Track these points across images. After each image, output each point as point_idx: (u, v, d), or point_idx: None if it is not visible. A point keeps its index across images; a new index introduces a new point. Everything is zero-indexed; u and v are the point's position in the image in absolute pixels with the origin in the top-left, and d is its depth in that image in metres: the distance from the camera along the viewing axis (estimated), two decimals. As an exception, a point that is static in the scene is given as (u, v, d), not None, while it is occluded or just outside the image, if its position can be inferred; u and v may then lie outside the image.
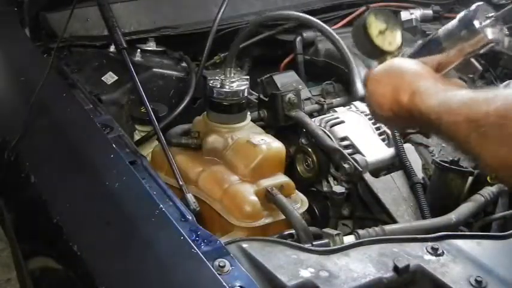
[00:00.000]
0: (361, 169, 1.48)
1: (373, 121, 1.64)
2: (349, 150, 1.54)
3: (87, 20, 1.97)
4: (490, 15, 1.13)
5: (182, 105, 1.74)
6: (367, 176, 1.51)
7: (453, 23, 1.16)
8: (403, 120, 1.13)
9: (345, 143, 1.57)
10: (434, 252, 1.10)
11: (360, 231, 1.22)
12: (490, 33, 1.12)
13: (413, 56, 1.23)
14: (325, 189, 1.57)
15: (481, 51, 1.15)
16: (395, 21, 1.33)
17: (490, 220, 1.43)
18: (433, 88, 1.05)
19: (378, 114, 1.18)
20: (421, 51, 1.23)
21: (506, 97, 0.91)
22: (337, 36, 1.67)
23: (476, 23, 1.12)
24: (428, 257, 1.09)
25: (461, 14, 1.15)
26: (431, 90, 1.04)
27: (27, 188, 1.41)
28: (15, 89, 1.76)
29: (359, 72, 1.61)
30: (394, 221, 1.45)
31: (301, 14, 1.76)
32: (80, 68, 1.88)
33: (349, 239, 1.19)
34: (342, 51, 1.64)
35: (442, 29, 1.18)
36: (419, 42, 1.28)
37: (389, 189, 1.51)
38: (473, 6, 1.13)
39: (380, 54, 1.31)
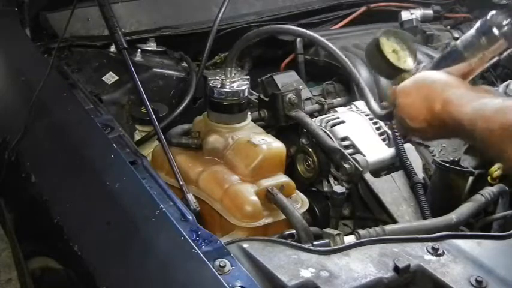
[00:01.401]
0: (361, 169, 1.48)
1: (373, 121, 1.64)
2: (350, 150, 1.54)
3: (87, 20, 1.97)
4: (507, 22, 1.15)
5: (183, 105, 1.74)
6: (368, 176, 1.51)
7: (471, 32, 1.19)
8: (436, 130, 1.15)
9: (346, 143, 1.57)
10: (435, 252, 1.10)
11: (361, 231, 1.22)
12: (509, 38, 1.14)
13: (435, 68, 1.25)
14: (325, 189, 1.57)
15: (502, 56, 1.17)
16: (406, 37, 1.34)
17: (491, 220, 1.43)
18: (466, 96, 1.07)
19: (410, 127, 1.19)
20: (441, 63, 1.25)
21: None
22: (341, 54, 1.66)
23: (495, 30, 1.14)
24: (428, 257, 1.09)
25: (479, 23, 1.18)
26: (464, 98, 1.06)
27: (27, 188, 1.41)
28: (15, 89, 1.76)
29: (369, 92, 1.61)
30: (395, 221, 1.45)
31: (302, 30, 1.75)
32: (80, 68, 1.88)
33: (349, 239, 1.19)
34: (349, 70, 1.62)
35: (461, 40, 1.22)
36: (438, 55, 1.30)
37: (390, 189, 1.51)
38: (490, 15, 1.16)
39: (398, 73, 1.32)
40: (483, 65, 1.19)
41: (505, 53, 1.17)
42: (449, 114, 1.07)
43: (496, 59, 1.18)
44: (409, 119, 1.17)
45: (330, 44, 1.66)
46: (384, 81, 1.76)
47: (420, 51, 1.95)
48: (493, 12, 1.18)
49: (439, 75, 1.17)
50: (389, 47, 1.32)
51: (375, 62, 1.34)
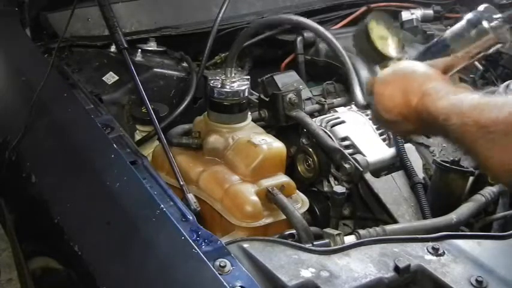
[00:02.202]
0: (361, 169, 1.48)
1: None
2: (350, 150, 1.54)
3: (88, 20, 1.97)
4: (497, 16, 1.13)
5: (183, 105, 1.74)
6: (368, 176, 1.51)
7: (461, 24, 1.16)
8: (411, 124, 1.13)
9: (346, 143, 1.57)
10: (435, 252, 1.10)
11: (361, 231, 1.22)
12: (498, 34, 1.12)
13: (419, 58, 1.23)
14: (325, 189, 1.57)
15: (488, 52, 1.15)
16: (396, 25, 1.33)
17: (491, 220, 1.43)
18: (444, 90, 1.05)
19: (384, 119, 1.17)
20: (427, 53, 1.23)
21: None
22: (335, 41, 1.66)
23: (485, 24, 1.12)
24: (429, 257, 1.09)
25: (469, 15, 1.15)
26: (442, 92, 1.05)
27: (28, 188, 1.42)
28: (16, 89, 1.76)
29: (359, 80, 1.61)
30: (395, 221, 1.45)
31: (301, 18, 1.75)
32: (80, 68, 1.88)
33: (349, 239, 1.19)
34: (342, 59, 1.62)
35: (449, 31, 1.18)
36: (425, 45, 1.28)
37: (390, 189, 1.51)
38: (481, 7, 1.14)
39: (383, 60, 1.30)
40: (467, 60, 1.17)
41: (492, 49, 1.15)
42: (425, 108, 1.05)
43: (481, 54, 1.16)
44: (385, 110, 1.15)
45: (323, 30, 1.65)
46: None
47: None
48: (485, 5, 1.16)
49: (420, 67, 1.14)
50: (378, 32, 1.30)
51: (362, 46, 1.32)
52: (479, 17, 1.13)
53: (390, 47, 1.29)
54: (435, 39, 1.25)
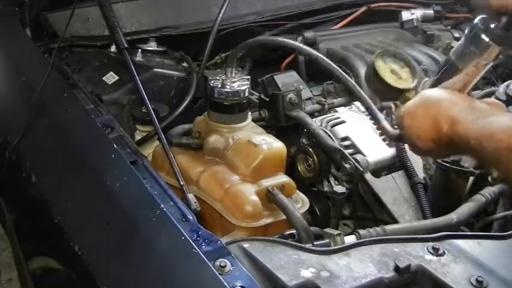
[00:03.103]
0: (362, 169, 1.48)
1: (374, 121, 1.64)
2: (350, 150, 1.54)
3: (88, 20, 1.97)
4: (494, 25, 1.12)
5: (183, 105, 1.74)
6: (368, 176, 1.51)
7: (461, 42, 1.16)
8: (444, 149, 1.14)
9: (346, 143, 1.57)
10: (435, 252, 1.10)
11: (361, 231, 1.22)
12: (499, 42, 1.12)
13: (436, 85, 1.23)
14: (326, 189, 1.57)
15: (497, 61, 1.15)
16: (404, 57, 1.33)
17: (491, 220, 1.43)
18: (472, 114, 1.06)
19: (418, 148, 1.18)
20: (441, 77, 1.24)
21: None
22: (348, 78, 1.64)
23: (484, 37, 1.12)
24: (429, 257, 1.09)
25: (467, 31, 1.15)
26: (471, 117, 1.05)
27: (28, 188, 1.42)
28: (16, 89, 1.76)
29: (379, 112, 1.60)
30: (395, 221, 1.45)
31: (303, 46, 1.74)
32: (80, 68, 1.88)
33: (350, 239, 1.19)
34: (359, 95, 1.59)
35: (453, 51, 1.20)
36: (435, 71, 1.29)
37: (390, 189, 1.51)
38: (476, 21, 1.13)
39: (398, 93, 1.30)
40: (479, 73, 1.17)
41: (499, 58, 1.15)
42: (456, 134, 1.06)
43: (491, 64, 1.16)
44: (417, 140, 1.16)
45: (333, 65, 1.64)
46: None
47: (421, 51, 1.96)
48: (480, 17, 1.16)
49: (442, 94, 1.15)
50: (387, 69, 1.30)
51: (375, 86, 1.32)
52: (476, 31, 1.13)
53: (403, 79, 1.29)
54: (442, 63, 1.25)
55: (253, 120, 1.59)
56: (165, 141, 1.34)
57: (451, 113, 1.08)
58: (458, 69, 1.17)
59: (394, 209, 1.47)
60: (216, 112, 1.53)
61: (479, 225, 1.44)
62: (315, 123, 1.59)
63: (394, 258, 1.06)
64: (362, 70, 1.79)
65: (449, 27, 2.31)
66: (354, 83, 1.59)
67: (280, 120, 1.63)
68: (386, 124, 1.43)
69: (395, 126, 1.36)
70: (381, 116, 1.45)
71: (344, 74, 1.61)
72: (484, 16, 1.15)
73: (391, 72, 1.30)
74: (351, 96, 1.75)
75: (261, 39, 1.87)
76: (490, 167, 1.03)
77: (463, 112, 1.07)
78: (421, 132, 1.14)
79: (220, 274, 0.97)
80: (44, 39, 1.92)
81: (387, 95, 1.34)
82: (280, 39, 1.87)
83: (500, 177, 1.01)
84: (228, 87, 1.52)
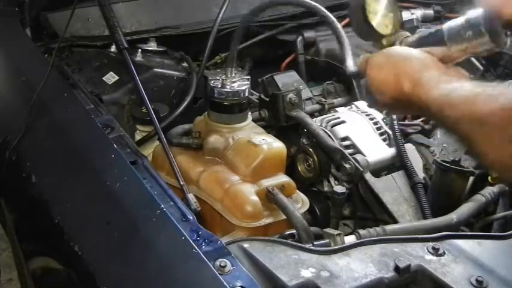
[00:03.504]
0: (362, 169, 1.48)
1: (374, 121, 1.64)
2: (350, 150, 1.54)
3: (88, 20, 1.97)
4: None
5: (183, 105, 1.74)
6: (368, 176, 1.51)
7: (459, 21, 1.14)
8: (404, 108, 1.13)
9: (346, 143, 1.57)
10: (435, 252, 1.10)
11: (361, 231, 1.22)
12: (493, 38, 1.11)
13: (415, 45, 1.21)
14: (326, 189, 1.57)
15: (484, 54, 1.14)
16: (394, 3, 1.30)
17: (491, 220, 1.43)
18: (436, 79, 1.03)
19: (376, 100, 1.16)
20: (422, 42, 1.21)
21: (511, 95, 0.89)
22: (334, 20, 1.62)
23: (483, 26, 1.11)
24: (429, 257, 1.09)
25: (469, 15, 1.14)
26: (434, 81, 1.03)
27: (28, 188, 1.42)
28: (16, 89, 1.76)
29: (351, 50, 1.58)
30: (395, 221, 1.45)
31: None
32: (80, 68, 1.88)
33: (350, 239, 1.19)
34: (337, 32, 1.57)
35: (447, 25, 1.16)
36: (420, 31, 1.25)
37: (390, 189, 1.51)
38: (481, 10, 1.12)
39: (376, 37, 1.28)
40: (462, 57, 1.15)
41: (487, 52, 1.14)
42: (417, 97, 1.04)
43: (476, 55, 1.15)
44: (377, 93, 1.14)
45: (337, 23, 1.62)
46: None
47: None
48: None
49: (415, 53, 1.13)
50: (375, 7, 1.27)
51: (357, 21, 1.30)
52: (479, 19, 1.12)
53: (385, 24, 1.26)
54: (431, 29, 1.22)
55: (253, 120, 1.59)
56: (165, 141, 1.34)
57: (417, 75, 1.06)
58: (443, 42, 1.16)
59: (394, 209, 1.47)
60: (216, 112, 1.53)
61: (479, 225, 1.44)
62: (315, 123, 1.59)
63: (394, 258, 1.06)
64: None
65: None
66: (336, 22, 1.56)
67: (280, 120, 1.63)
68: (349, 59, 1.40)
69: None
70: (349, 51, 1.42)
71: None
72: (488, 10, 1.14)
73: (377, 14, 1.27)
74: (350, 96, 1.75)
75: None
76: (451, 134, 1.01)
77: (428, 76, 1.05)
78: (383, 85, 1.12)
79: (220, 274, 0.97)
80: (44, 39, 1.92)
81: (365, 33, 1.31)
82: None
83: (461, 145, 0.98)
84: (228, 87, 1.52)
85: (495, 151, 0.91)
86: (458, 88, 0.99)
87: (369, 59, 1.19)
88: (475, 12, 1.12)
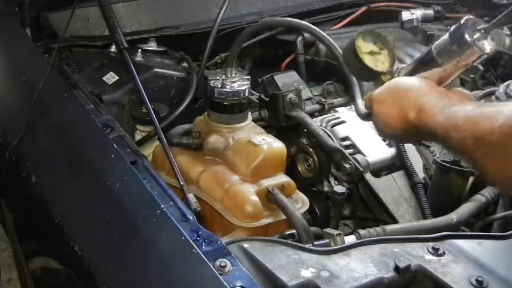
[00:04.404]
0: (362, 169, 1.48)
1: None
2: (350, 150, 1.54)
3: (88, 20, 1.97)
4: (480, 27, 1.12)
5: (183, 105, 1.74)
6: (368, 176, 1.51)
7: (445, 38, 1.16)
8: (411, 137, 1.15)
9: (346, 143, 1.57)
10: (435, 252, 1.10)
11: (361, 231, 1.22)
12: (481, 46, 1.12)
13: (411, 73, 1.23)
14: (326, 189, 1.57)
15: (476, 63, 1.15)
16: (384, 40, 1.32)
17: (491, 220, 1.43)
18: (439, 103, 1.06)
19: (384, 133, 1.20)
20: (417, 67, 1.23)
21: (509, 113, 0.92)
22: (337, 47, 1.66)
23: (467, 37, 1.12)
24: (429, 257, 1.09)
25: (452, 28, 1.15)
26: (437, 106, 1.06)
27: (28, 188, 1.41)
28: (16, 89, 1.76)
29: (360, 90, 1.62)
30: (395, 221, 1.45)
31: (301, 22, 1.75)
32: (80, 68, 1.88)
33: (350, 239, 1.19)
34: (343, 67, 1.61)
35: (435, 45, 1.18)
36: (414, 58, 1.28)
37: (390, 189, 1.51)
38: (463, 20, 1.13)
39: (374, 76, 1.30)
40: (457, 72, 1.17)
41: (479, 61, 1.14)
42: (423, 123, 1.07)
43: (469, 66, 1.16)
44: (384, 126, 1.18)
45: (330, 39, 1.65)
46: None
47: (421, 52, 1.95)
48: (468, 17, 1.16)
49: (414, 82, 1.16)
50: (366, 49, 1.30)
51: (352, 64, 1.32)
52: (462, 30, 1.13)
53: (380, 62, 1.29)
54: (422, 54, 1.24)
55: (253, 120, 1.59)
56: (165, 141, 1.34)
57: (419, 102, 1.09)
58: (437, 63, 1.17)
59: (394, 209, 1.47)
60: (216, 112, 1.53)
61: (479, 225, 1.44)
62: (315, 123, 1.59)
63: (394, 258, 1.06)
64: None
65: (449, 27, 2.30)
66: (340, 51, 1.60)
67: (280, 120, 1.63)
68: (359, 102, 1.43)
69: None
70: (358, 93, 1.45)
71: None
72: (470, 17, 1.15)
73: (370, 53, 1.30)
74: (350, 96, 1.75)
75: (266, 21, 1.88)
76: (456, 155, 1.03)
77: (430, 102, 1.07)
78: (389, 118, 1.15)
79: (220, 274, 0.97)
80: (44, 39, 1.92)
81: (363, 75, 1.33)
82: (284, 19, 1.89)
83: (468, 164, 1.01)
84: (228, 87, 1.52)
85: (497, 169, 0.94)
86: (460, 110, 1.02)
87: (372, 96, 1.22)
88: (457, 25, 1.14)
